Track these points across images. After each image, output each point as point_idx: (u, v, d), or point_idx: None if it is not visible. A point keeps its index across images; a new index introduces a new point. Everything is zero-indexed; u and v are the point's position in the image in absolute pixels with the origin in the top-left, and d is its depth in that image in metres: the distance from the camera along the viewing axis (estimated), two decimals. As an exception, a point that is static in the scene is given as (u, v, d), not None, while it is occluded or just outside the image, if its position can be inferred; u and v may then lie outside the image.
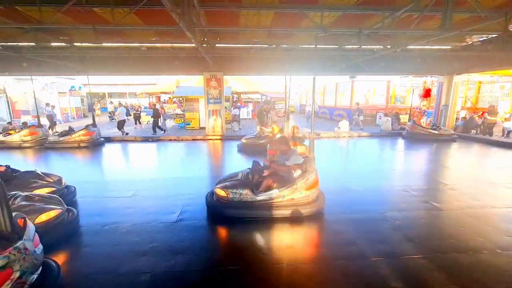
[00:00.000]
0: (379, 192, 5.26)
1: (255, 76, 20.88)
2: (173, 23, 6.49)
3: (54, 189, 4.48)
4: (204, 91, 11.50)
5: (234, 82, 19.02)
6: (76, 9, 5.48)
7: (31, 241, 2.36)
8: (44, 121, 12.70)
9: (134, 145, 10.63)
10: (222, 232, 3.87)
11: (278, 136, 9.45)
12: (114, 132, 12.66)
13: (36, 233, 2.52)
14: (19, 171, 4.85)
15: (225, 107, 12.58)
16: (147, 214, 4.22)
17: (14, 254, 2.14)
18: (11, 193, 3.53)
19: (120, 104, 16.60)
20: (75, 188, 4.90)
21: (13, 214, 2.35)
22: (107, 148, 9.97)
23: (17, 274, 2.15)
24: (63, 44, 8.31)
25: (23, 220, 2.45)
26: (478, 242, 3.34)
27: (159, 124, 12.93)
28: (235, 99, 20.72)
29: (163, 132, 12.57)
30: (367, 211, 4.26)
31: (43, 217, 3.32)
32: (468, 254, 3.09)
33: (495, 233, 3.58)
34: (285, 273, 2.83)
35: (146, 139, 11.49)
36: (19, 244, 2.21)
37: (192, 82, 18.38)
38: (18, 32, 7.21)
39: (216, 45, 8.92)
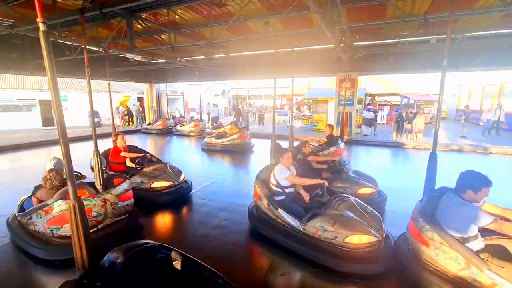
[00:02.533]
0: None
1: (394, 76, 18.27)
2: (312, 26, 6.70)
3: None
4: (336, 93, 11.17)
5: (368, 83, 17.44)
6: (234, 25, 6.62)
7: (115, 196, 3.31)
8: (205, 117, 16.33)
9: (262, 141, 11.78)
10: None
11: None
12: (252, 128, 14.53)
13: (130, 192, 3.55)
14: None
15: (357, 110, 11.74)
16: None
17: (96, 200, 3.11)
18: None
19: (214, 105, 18.22)
20: None
21: (114, 174, 3.64)
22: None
23: (94, 214, 3.10)
24: (222, 55, 10.29)
25: (122, 180, 3.51)
26: None
27: (239, 122, 13.79)
28: (368, 101, 19.00)
29: None
30: None
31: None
32: None
33: None
34: None
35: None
36: (103, 195, 3.18)
37: (323, 84, 18.34)
38: (195, 49, 9.56)
39: (354, 43, 8.40)
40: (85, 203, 2.97)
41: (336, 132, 11.33)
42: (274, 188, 3.40)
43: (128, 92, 20.09)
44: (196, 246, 3.32)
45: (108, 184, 3.41)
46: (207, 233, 3.62)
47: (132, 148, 5.54)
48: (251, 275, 2.79)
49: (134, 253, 1.72)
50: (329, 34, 5.34)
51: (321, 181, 3.24)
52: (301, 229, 2.96)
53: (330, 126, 6.74)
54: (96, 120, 16.58)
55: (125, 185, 3.51)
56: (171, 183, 4.61)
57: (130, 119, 17.96)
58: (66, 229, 2.97)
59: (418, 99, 17.57)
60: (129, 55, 11.77)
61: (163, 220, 4.18)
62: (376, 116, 13.20)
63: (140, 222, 3.77)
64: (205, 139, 9.81)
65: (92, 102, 3.47)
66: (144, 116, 17.61)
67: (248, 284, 2.63)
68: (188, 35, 8.08)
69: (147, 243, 1.86)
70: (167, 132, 14.21)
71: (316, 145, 6.96)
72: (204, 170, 7.28)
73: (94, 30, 7.04)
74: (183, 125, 13.90)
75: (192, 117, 16.04)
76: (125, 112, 17.43)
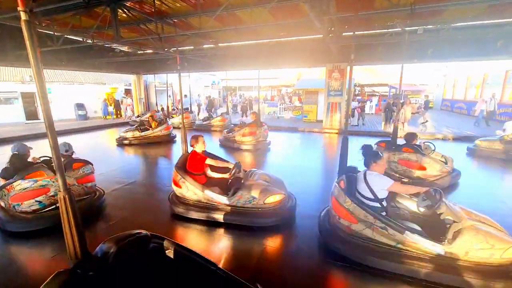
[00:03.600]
0: None
1: (383, 67, 18.48)
2: (301, 16, 6.66)
3: None
4: (325, 83, 11.24)
5: (358, 74, 17.59)
6: (223, 15, 6.51)
7: (73, 178, 3.80)
8: (195, 108, 16.16)
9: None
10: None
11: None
12: (237, 120, 14.52)
13: (92, 175, 4.09)
14: None
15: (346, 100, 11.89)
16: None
17: (53, 181, 3.51)
18: None
19: (185, 96, 18.23)
20: None
21: (76, 159, 4.03)
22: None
23: (51, 193, 3.52)
24: (211, 45, 10.14)
25: (82, 164, 4.00)
26: None
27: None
28: (357, 92, 19.22)
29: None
30: None
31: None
32: None
33: None
34: None
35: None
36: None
37: (313, 75, 18.40)
38: (182, 39, 9.37)
39: (343, 33, 8.42)
40: (43, 183, 3.50)
41: (327, 123, 11.54)
42: (370, 203, 2.70)
43: (115, 83, 19.56)
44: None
45: (66, 167, 3.78)
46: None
47: (210, 156, 4.16)
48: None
49: (127, 243, 1.75)
50: (318, 24, 5.35)
51: (423, 189, 2.59)
52: (443, 253, 2.31)
53: (254, 113, 8.68)
54: (83, 112, 16.30)
55: (85, 169, 3.99)
56: (284, 196, 3.53)
57: (118, 112, 17.61)
58: (24, 206, 3.43)
59: (406, 89, 17.88)
60: (114, 46, 11.41)
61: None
62: (364, 106, 13.33)
63: (102, 204, 4.15)
64: (122, 133, 9.71)
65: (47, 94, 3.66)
66: (133, 108, 17.30)
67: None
68: (176, 24, 7.89)
69: (139, 233, 1.88)
70: (156, 124, 14.02)
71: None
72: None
73: (77, 19, 6.78)
74: (173, 117, 13.74)
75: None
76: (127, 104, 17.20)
